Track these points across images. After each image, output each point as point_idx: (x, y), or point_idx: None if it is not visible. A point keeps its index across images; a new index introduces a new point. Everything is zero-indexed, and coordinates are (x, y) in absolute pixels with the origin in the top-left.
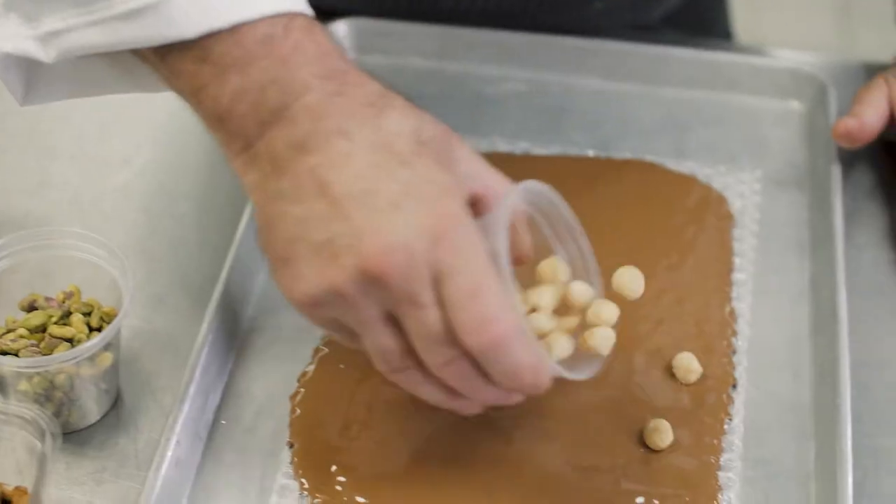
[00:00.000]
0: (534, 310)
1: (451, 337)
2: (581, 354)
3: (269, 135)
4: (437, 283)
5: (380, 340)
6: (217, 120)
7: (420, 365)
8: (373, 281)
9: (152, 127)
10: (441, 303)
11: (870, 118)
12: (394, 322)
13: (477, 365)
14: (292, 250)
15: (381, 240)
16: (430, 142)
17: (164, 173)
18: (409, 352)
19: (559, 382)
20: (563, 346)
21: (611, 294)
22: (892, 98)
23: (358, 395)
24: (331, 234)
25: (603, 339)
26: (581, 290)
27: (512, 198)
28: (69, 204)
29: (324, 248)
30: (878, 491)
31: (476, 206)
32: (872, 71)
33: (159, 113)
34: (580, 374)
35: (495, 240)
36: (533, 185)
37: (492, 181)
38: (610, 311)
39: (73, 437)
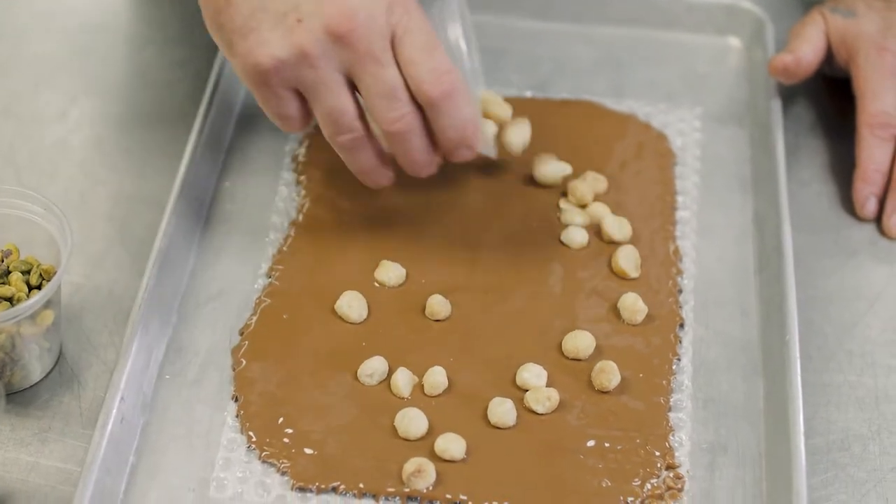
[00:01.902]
0: None
1: (404, 94)
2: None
3: None
4: (394, 44)
5: (337, 101)
6: None
7: (365, 128)
8: (337, 40)
9: (87, 80)
10: (398, 62)
11: (806, 54)
12: (351, 86)
13: (424, 121)
14: (255, 20)
15: (343, 4)
16: None
17: (101, 127)
18: (360, 115)
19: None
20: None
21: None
22: (828, 33)
23: (302, 346)
24: (294, 3)
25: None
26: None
27: None
28: (3, 161)
29: (288, 15)
30: (829, 427)
31: None
32: (809, 5)
33: (94, 66)
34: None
35: (453, 22)
36: None
37: None
38: (504, 108)
39: (17, 397)
